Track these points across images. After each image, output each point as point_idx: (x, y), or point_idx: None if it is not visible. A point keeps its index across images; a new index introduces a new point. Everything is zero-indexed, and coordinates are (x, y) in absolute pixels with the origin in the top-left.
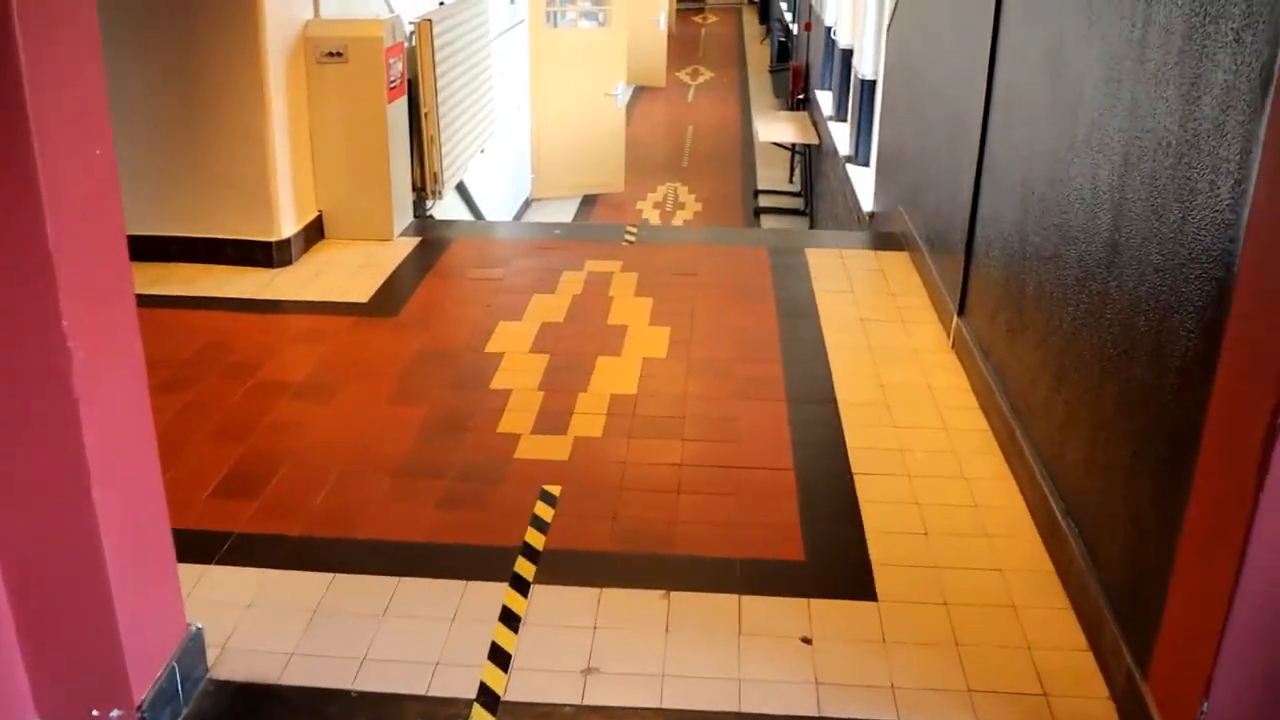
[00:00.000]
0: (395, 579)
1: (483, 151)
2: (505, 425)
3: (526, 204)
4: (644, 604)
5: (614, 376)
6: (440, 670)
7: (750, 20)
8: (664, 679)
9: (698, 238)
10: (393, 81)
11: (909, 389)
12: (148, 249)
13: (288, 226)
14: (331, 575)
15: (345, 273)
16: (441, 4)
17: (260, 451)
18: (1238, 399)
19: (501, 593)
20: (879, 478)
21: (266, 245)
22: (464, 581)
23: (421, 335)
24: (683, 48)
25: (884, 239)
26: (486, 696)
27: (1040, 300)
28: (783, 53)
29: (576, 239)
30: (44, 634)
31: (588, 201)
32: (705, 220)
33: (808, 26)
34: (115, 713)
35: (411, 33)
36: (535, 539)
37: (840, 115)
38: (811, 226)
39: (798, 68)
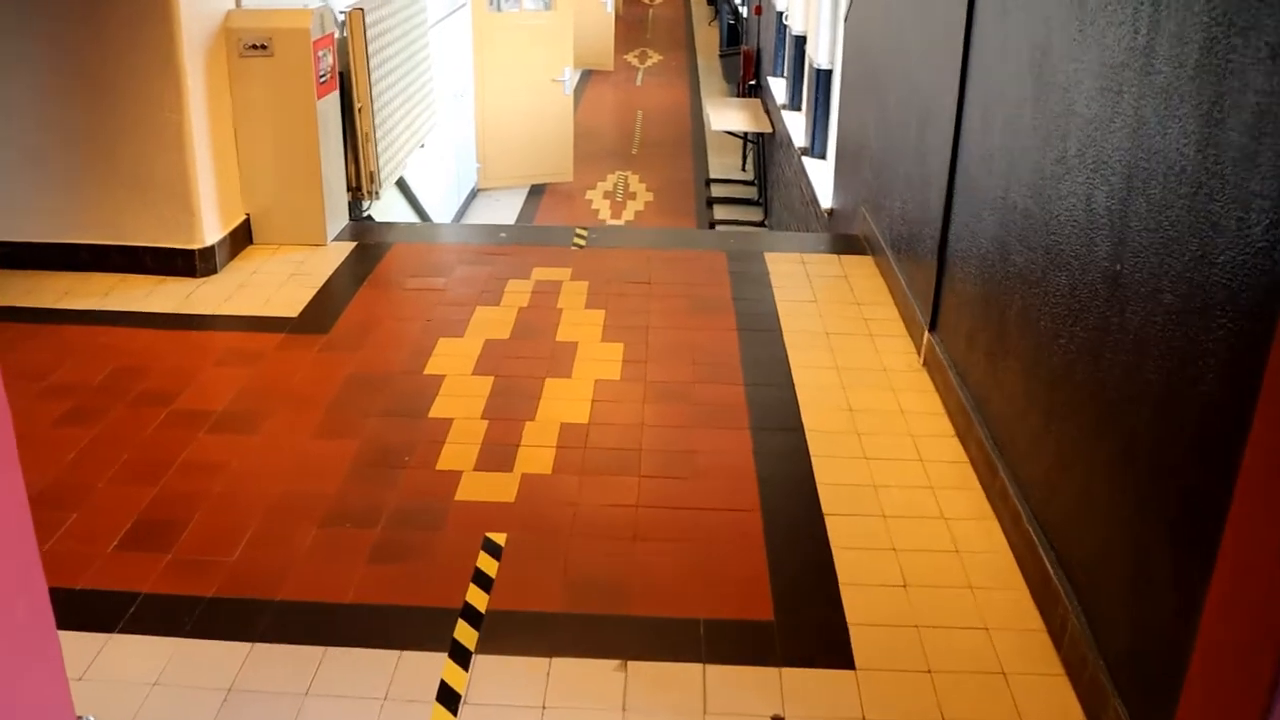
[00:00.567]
0: (321, 649)
1: (423, 146)
2: (445, 460)
3: (473, 195)
4: (598, 677)
5: (564, 402)
6: None
7: (698, 1)
8: None
9: (651, 241)
10: (322, 75)
11: (880, 414)
12: (59, 257)
13: (211, 233)
14: (249, 645)
15: (273, 283)
16: None
17: (173, 495)
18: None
19: (440, 664)
20: (851, 519)
21: (188, 253)
22: (398, 651)
23: (354, 355)
24: (630, 30)
25: (846, 242)
26: None
27: (1025, 326)
28: (733, 36)
29: (523, 242)
30: None
31: (536, 191)
32: (657, 210)
33: (758, 10)
34: None
35: (342, 23)
36: (477, 598)
37: (794, 104)
38: (766, 217)
39: (748, 53)
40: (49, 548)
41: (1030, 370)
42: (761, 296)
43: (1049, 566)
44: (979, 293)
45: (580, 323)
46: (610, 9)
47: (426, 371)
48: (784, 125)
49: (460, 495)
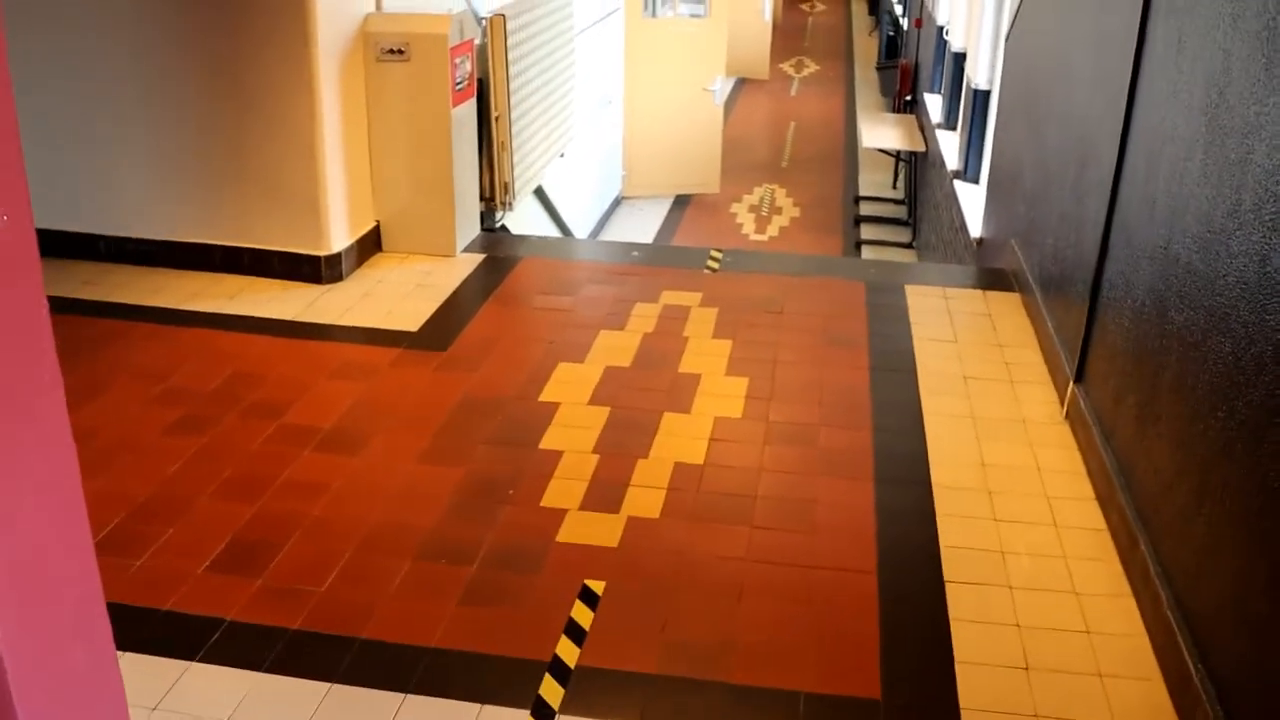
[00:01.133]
0: (400, 696)
1: (562, 156)
2: (551, 497)
3: (616, 203)
4: None
5: (680, 440)
6: None
7: (860, 10)
8: None
9: (788, 267)
10: (459, 83)
11: (1014, 471)
12: (191, 257)
13: (338, 240)
14: (328, 686)
15: (398, 294)
16: None
17: (271, 515)
18: None
19: None
20: (975, 588)
21: (315, 259)
22: (479, 705)
23: (470, 377)
24: (788, 38)
25: (993, 276)
26: None
27: (1180, 391)
28: (891, 48)
29: (656, 263)
30: None
31: (680, 202)
32: (803, 227)
33: (919, 24)
34: None
35: (483, 28)
36: (568, 652)
37: (949, 124)
38: (914, 239)
39: (906, 66)
40: (142, 563)
41: (1182, 441)
42: (898, 333)
43: (1189, 662)
44: (1131, 348)
45: (705, 353)
46: (768, 17)
47: (542, 398)
48: (938, 145)
49: (562, 536)
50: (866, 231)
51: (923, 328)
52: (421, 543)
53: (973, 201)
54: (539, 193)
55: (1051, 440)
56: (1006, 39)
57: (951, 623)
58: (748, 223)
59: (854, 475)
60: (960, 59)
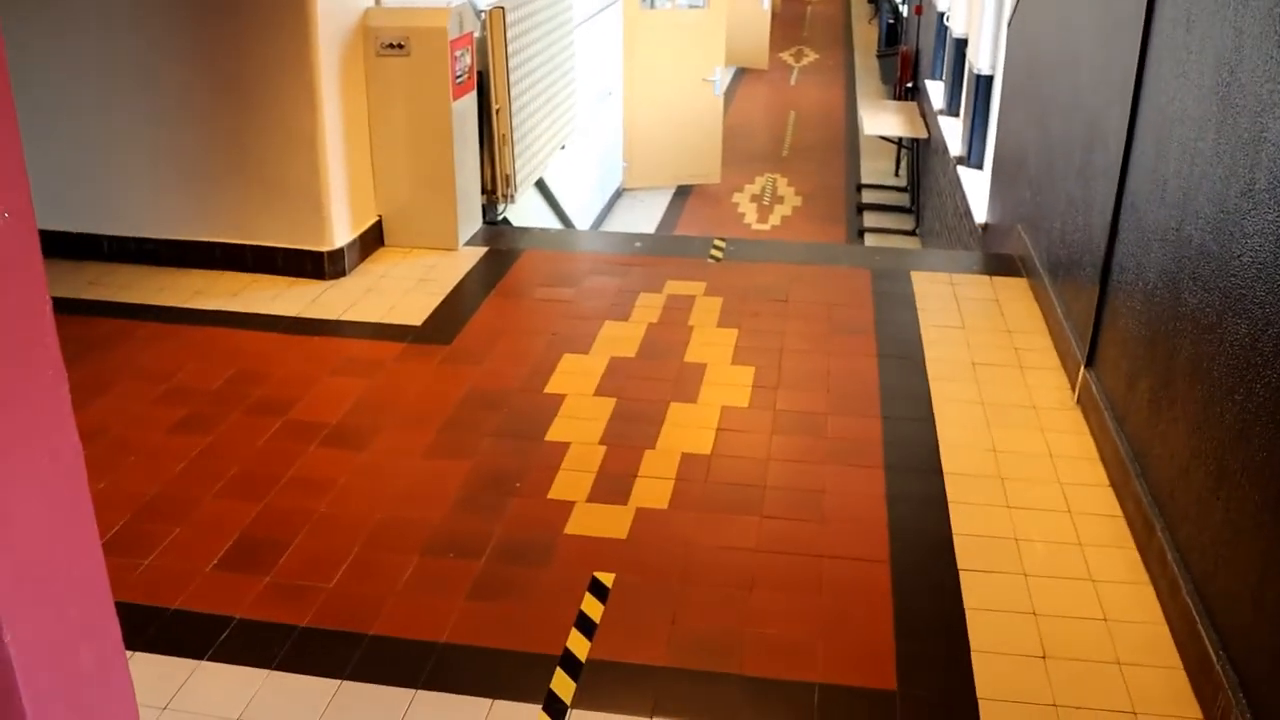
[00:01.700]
0: (410, 692)
1: (563, 148)
2: (558, 489)
3: (617, 195)
4: None
5: (687, 430)
6: None
7: None
8: None
9: (792, 255)
10: (460, 76)
11: (1027, 457)
12: (194, 255)
13: (341, 235)
14: (338, 683)
15: (400, 289)
16: None
17: (278, 512)
18: None
19: (533, 717)
20: (989, 576)
21: (318, 255)
22: (490, 700)
23: (475, 370)
24: (787, 27)
25: (999, 262)
26: None
27: (1195, 375)
28: (891, 36)
29: (658, 253)
30: None
31: (682, 193)
32: (805, 216)
33: (919, 10)
34: None
35: (482, 21)
36: (578, 645)
37: (952, 110)
38: (917, 226)
39: (906, 54)
40: (150, 563)
41: (1199, 425)
42: (905, 320)
43: (1210, 648)
44: (1143, 332)
45: (711, 342)
46: (766, 6)
47: (547, 390)
48: (940, 131)
49: (570, 529)
50: (869, 219)
51: (930, 314)
52: (429, 537)
53: (977, 187)
54: (540, 185)
55: (1063, 426)
56: (1009, 23)
57: (967, 612)
58: (750, 212)
59: (864, 464)
60: (962, 45)
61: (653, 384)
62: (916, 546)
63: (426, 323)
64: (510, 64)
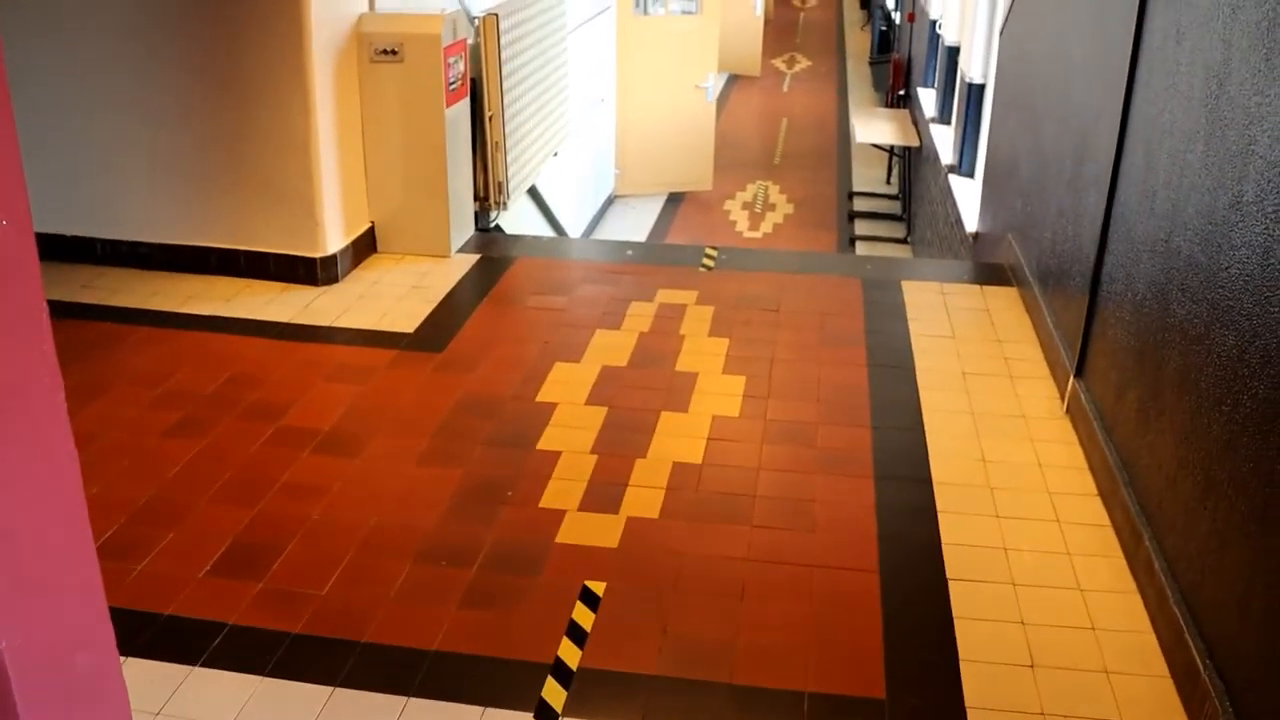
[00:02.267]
0: (402, 699)
1: (556, 155)
2: (550, 498)
3: (609, 202)
4: None
5: (678, 439)
6: None
7: (851, 5)
8: None
9: (783, 264)
10: (452, 83)
11: (1016, 467)
12: (188, 260)
13: (334, 241)
14: (330, 690)
15: (393, 295)
16: None
17: (272, 518)
18: None
19: None
20: (978, 585)
21: (310, 261)
22: (481, 708)
23: (467, 377)
24: (780, 33)
25: (990, 271)
26: None
27: (1184, 385)
28: (884, 43)
29: (650, 261)
30: None
31: (674, 200)
32: (797, 224)
33: (911, 18)
34: None
35: (476, 28)
36: (570, 654)
37: (944, 118)
38: (909, 234)
39: (899, 61)
40: (143, 568)
41: (1186, 436)
42: (896, 329)
43: (1196, 657)
44: (1132, 342)
45: (702, 351)
46: (759, 12)
47: (539, 398)
48: (931, 140)
49: (561, 537)
50: (861, 227)
51: (920, 324)
52: (421, 545)
53: (968, 196)
54: (532, 192)
55: (1052, 435)
56: (1001, 32)
57: (955, 621)
58: (741, 220)
59: (854, 473)
60: (954, 53)
61: (644, 393)
62: (906, 556)
63: (419, 330)
64: (503, 71)
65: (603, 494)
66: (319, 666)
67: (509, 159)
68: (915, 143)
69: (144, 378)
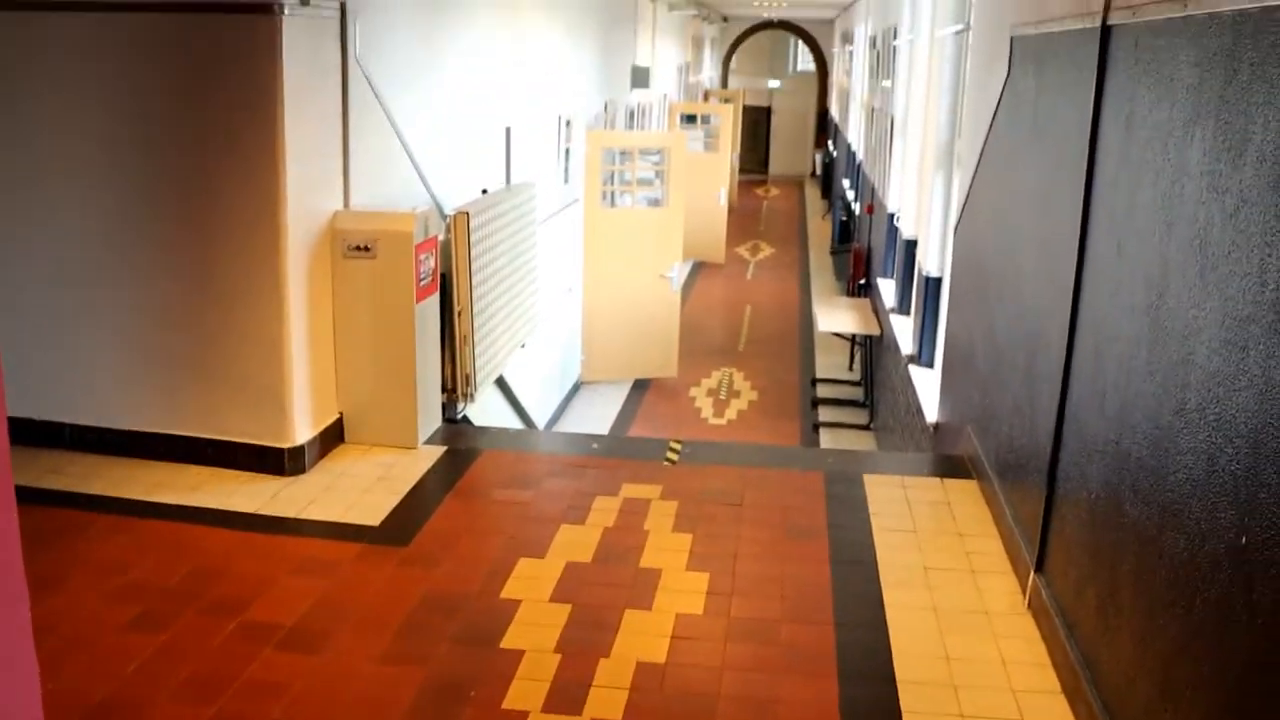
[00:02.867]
0: None
1: (523, 347)
2: (513, 698)
3: (576, 388)
4: None
5: (642, 638)
6: None
7: (813, 194)
8: None
9: (746, 458)
10: (423, 279)
11: (979, 664)
12: (156, 447)
13: (302, 432)
14: None
15: (360, 487)
16: (484, 192)
17: (231, 718)
18: None
19: None
20: None
21: (278, 451)
22: None
23: (432, 572)
24: (744, 221)
25: (950, 464)
26: None
27: (1139, 586)
28: (844, 233)
29: (615, 455)
30: None
31: (639, 386)
32: (761, 411)
33: (870, 210)
34: None
35: (447, 225)
36: None
37: (903, 309)
38: (871, 420)
39: (859, 251)
40: None
41: (1143, 637)
42: (858, 523)
43: None
44: (1089, 540)
45: (666, 548)
46: (723, 202)
47: (503, 595)
48: (892, 329)
49: None
50: (824, 414)
51: (882, 518)
52: None
53: (928, 386)
54: (500, 382)
55: (1015, 632)
56: (955, 228)
57: None
58: (706, 407)
59: (817, 672)
60: (911, 246)
61: (608, 590)
62: None
63: (385, 523)
64: (473, 267)
65: (566, 695)
66: None
67: (477, 352)
68: (876, 332)
69: (106, 568)
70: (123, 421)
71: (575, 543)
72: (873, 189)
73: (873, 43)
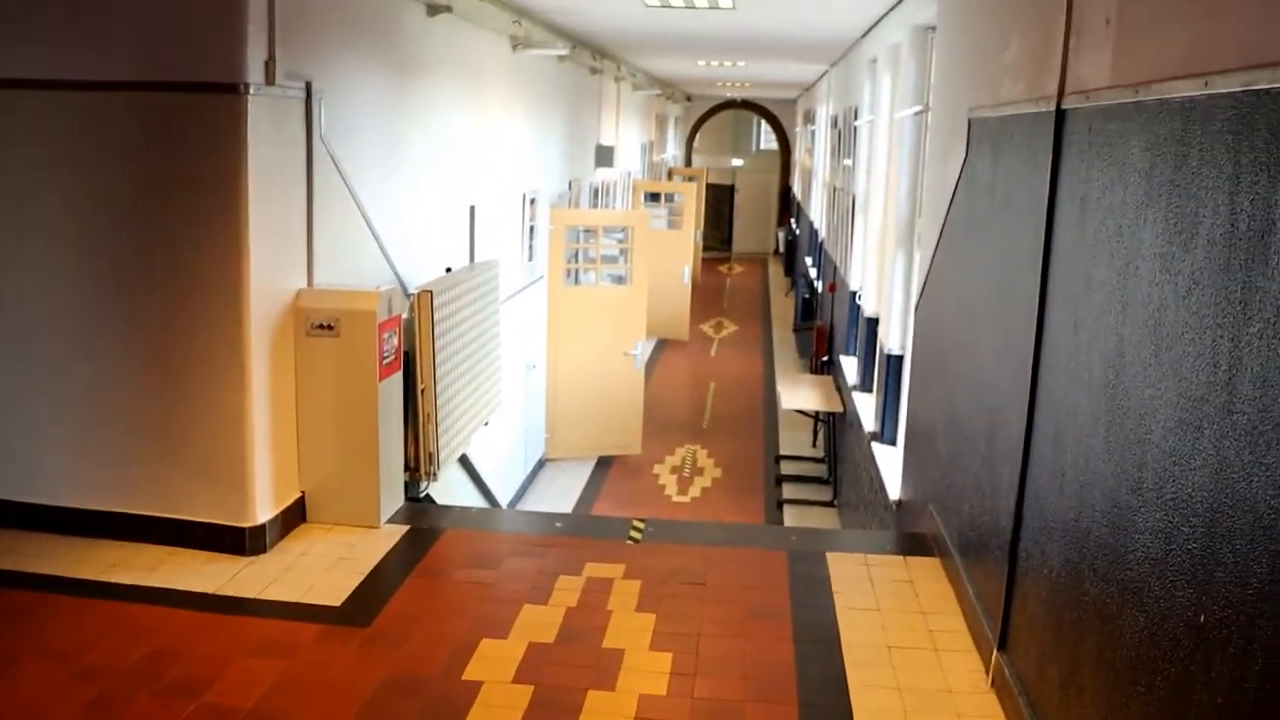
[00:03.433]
0: None
1: (487, 425)
2: None
3: (540, 465)
4: None
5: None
6: None
7: (776, 271)
8: None
9: (709, 537)
10: (387, 357)
11: None
12: (112, 526)
13: (263, 511)
14: None
15: (321, 567)
16: (449, 270)
17: None
18: None
19: None
20: None
21: (239, 531)
22: None
23: (392, 654)
24: (707, 298)
25: (912, 541)
26: None
27: (1101, 664)
28: (807, 310)
29: (579, 533)
30: None
31: (603, 463)
32: (725, 488)
33: (833, 288)
34: None
35: (410, 303)
36: None
37: (865, 386)
38: (835, 497)
39: (822, 329)
40: None
41: (1105, 715)
42: (821, 602)
43: None
44: (1051, 618)
45: (629, 628)
46: (687, 280)
47: (465, 676)
48: (854, 406)
49: None
50: (788, 491)
51: (845, 596)
52: None
53: (891, 463)
54: (463, 460)
55: (978, 711)
56: (916, 307)
57: None
58: (670, 484)
59: None
60: (873, 324)
61: (571, 670)
62: None
63: (346, 603)
64: (437, 345)
65: None
66: None
67: (440, 430)
68: (839, 409)
69: (59, 651)
70: (79, 500)
71: (538, 623)
72: (835, 267)
73: (834, 122)
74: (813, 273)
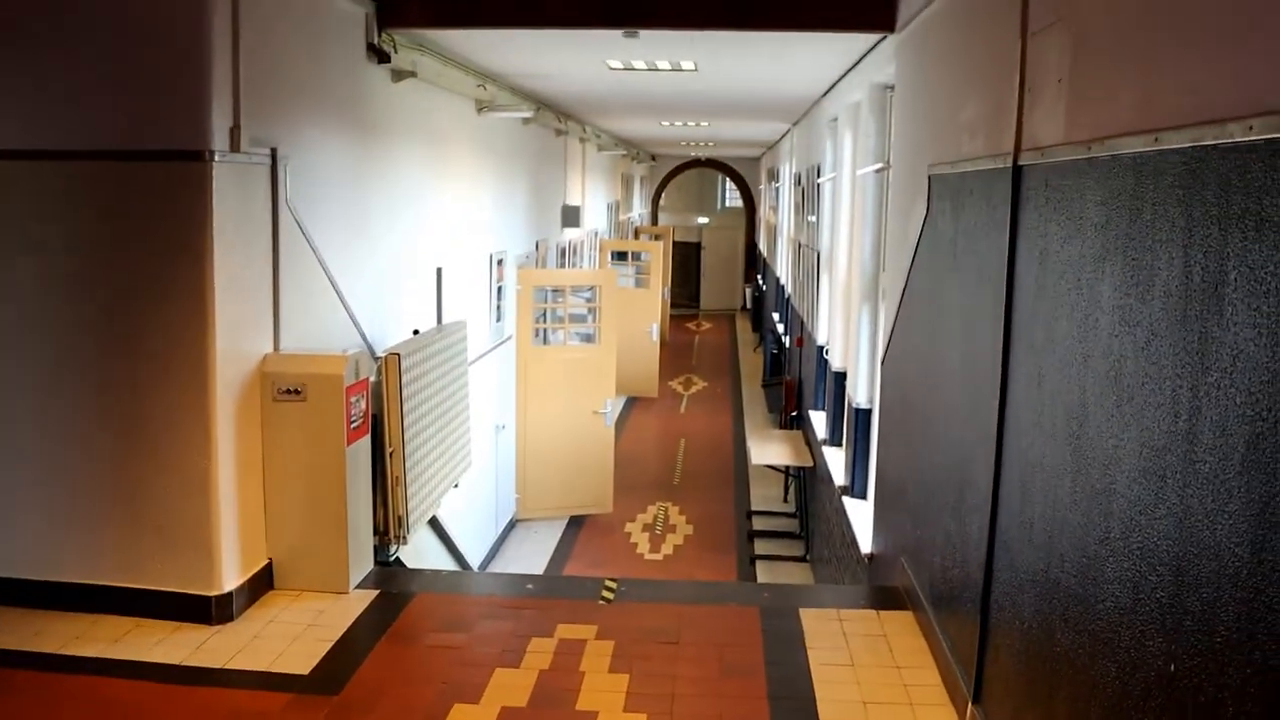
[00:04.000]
0: None
1: (456, 486)
2: None
3: (511, 526)
4: None
5: None
6: None
7: (744, 327)
8: None
9: (681, 595)
10: (354, 421)
11: None
12: (74, 598)
13: (230, 579)
14: None
15: (289, 635)
16: (416, 333)
17: None
18: None
19: None
20: None
21: (205, 600)
22: None
23: None
24: (676, 355)
25: (885, 595)
26: None
27: (1074, 715)
28: (776, 366)
29: (550, 594)
30: None
31: (575, 523)
32: (697, 544)
33: (800, 343)
34: None
35: (378, 367)
36: None
37: (834, 440)
38: (807, 552)
39: (790, 384)
40: None
41: None
42: (794, 659)
43: None
44: (1024, 669)
45: (602, 689)
46: (655, 336)
47: None
48: (824, 461)
49: None
50: (760, 546)
51: (819, 652)
52: None
53: (861, 517)
54: (433, 522)
55: None
56: (883, 361)
57: None
58: (642, 542)
59: None
60: (841, 378)
61: None
62: None
63: (315, 671)
64: (405, 408)
65: None
66: None
67: (409, 493)
68: (809, 463)
69: None
70: (39, 572)
71: (510, 686)
72: (802, 322)
73: (798, 180)
74: (780, 328)
